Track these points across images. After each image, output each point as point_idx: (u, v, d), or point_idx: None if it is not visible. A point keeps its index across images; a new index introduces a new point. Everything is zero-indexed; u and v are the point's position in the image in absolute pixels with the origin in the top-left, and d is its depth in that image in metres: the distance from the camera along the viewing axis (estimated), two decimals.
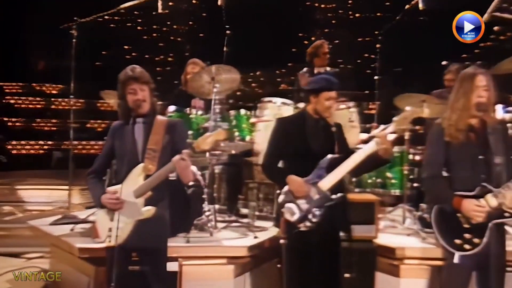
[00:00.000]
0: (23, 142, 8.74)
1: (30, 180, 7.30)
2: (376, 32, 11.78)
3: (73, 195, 6.18)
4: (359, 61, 11.54)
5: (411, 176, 5.14)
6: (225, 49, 5.68)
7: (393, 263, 4.66)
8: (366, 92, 6.69)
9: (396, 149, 5.18)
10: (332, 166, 3.99)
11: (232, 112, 5.03)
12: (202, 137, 3.54)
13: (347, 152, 4.13)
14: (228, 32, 5.73)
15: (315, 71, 6.47)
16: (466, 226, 3.61)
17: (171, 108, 4.99)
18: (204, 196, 4.72)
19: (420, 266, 4.58)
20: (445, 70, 5.87)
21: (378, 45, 6.51)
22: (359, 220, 4.51)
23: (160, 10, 5.77)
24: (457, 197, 3.61)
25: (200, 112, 4.95)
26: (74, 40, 5.67)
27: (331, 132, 4.12)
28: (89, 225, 4.83)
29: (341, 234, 4.10)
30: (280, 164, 4.17)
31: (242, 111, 5.09)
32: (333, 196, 3.98)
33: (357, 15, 11.65)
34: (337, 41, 11.61)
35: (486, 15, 5.41)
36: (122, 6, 5.78)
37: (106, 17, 10.90)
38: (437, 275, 4.33)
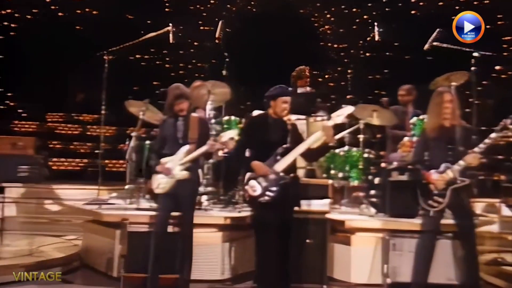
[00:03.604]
0: (62, 159, 10.97)
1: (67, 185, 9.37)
2: (386, 70, 13.64)
3: (101, 194, 8.14)
4: (370, 97, 13.22)
5: (366, 171, 6.97)
6: (224, 72, 7.67)
7: (346, 235, 6.48)
8: None
9: (354, 149, 7.06)
10: (285, 153, 5.55)
11: (225, 118, 6.99)
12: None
13: (298, 143, 5.61)
14: (226, 59, 7.67)
15: (298, 91, 8.18)
16: (435, 192, 5.57)
17: None
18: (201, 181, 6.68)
19: (367, 237, 6.38)
20: (399, 89, 7.73)
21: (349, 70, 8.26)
22: (318, 196, 6.42)
23: (171, 41, 7.76)
24: (427, 172, 5.60)
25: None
26: (106, 65, 7.61)
27: (286, 129, 5.69)
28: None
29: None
30: (247, 153, 5.69)
31: (233, 117, 7.05)
32: (286, 176, 5.49)
33: (367, 54, 13.45)
34: (349, 76, 13.32)
35: (426, 45, 7.22)
36: (142, 38, 7.78)
37: (137, 55, 13.28)
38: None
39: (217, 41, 7.74)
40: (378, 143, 7.74)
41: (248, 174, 5.55)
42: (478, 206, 8.05)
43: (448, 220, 5.87)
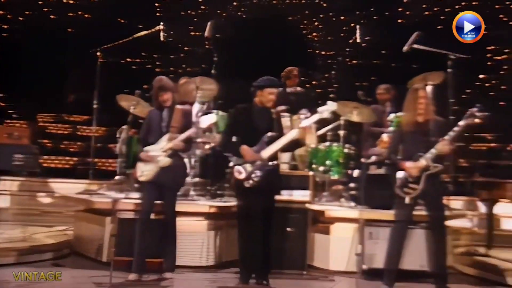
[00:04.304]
0: (52, 157, 11.39)
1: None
2: (373, 78, 14.16)
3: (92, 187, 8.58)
4: None
5: (346, 165, 7.46)
6: (212, 71, 8.19)
7: (325, 225, 6.96)
8: None
9: (335, 145, 7.55)
10: (271, 141, 5.98)
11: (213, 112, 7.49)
12: None
13: (282, 133, 6.08)
14: (215, 59, 8.21)
15: (287, 90, 8.62)
16: (409, 179, 5.94)
17: None
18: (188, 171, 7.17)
19: (345, 226, 6.85)
20: (377, 88, 8.27)
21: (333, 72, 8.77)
22: (300, 187, 6.88)
23: (162, 39, 8.27)
24: (401, 162, 6.01)
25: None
26: (98, 63, 8.11)
27: (272, 118, 6.11)
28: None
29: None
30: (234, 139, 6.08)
31: (220, 112, 7.54)
32: (270, 163, 5.94)
33: (354, 61, 13.98)
34: (336, 85, 13.84)
35: (405, 47, 7.76)
36: (134, 35, 8.30)
37: (128, 59, 13.76)
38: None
39: (206, 44, 8.22)
40: (359, 141, 8.23)
41: (235, 159, 5.95)
42: (458, 203, 8.54)
43: (422, 212, 6.31)
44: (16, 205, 8.76)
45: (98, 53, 8.11)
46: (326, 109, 6.24)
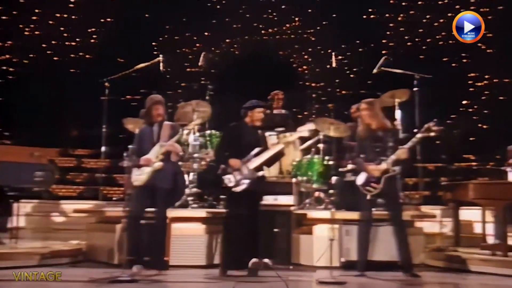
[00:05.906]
0: (60, 186, 12.73)
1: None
2: None
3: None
4: None
5: (326, 175, 8.86)
6: (207, 97, 9.63)
7: (308, 227, 8.27)
8: None
9: (315, 157, 8.96)
10: (258, 154, 7.33)
11: (208, 132, 8.96)
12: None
13: (266, 148, 7.47)
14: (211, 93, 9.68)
15: (274, 112, 10.08)
16: (372, 179, 7.25)
17: None
18: (187, 183, 8.57)
19: (325, 227, 8.13)
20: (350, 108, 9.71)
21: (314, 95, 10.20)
22: (285, 192, 8.27)
23: (161, 69, 9.75)
24: (365, 165, 7.32)
25: (186, 131, 8.78)
26: (106, 91, 9.62)
27: (258, 135, 7.50)
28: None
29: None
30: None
31: (213, 131, 9.01)
32: (256, 173, 7.26)
33: (343, 92, 15.42)
34: (326, 114, 15.25)
35: (375, 69, 9.24)
36: (137, 67, 9.80)
37: (128, 96, 15.17)
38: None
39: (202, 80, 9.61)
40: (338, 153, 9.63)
41: (222, 171, 7.29)
42: (436, 212, 9.81)
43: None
44: (32, 224, 10.07)
45: (106, 84, 9.56)
46: (304, 129, 7.69)
